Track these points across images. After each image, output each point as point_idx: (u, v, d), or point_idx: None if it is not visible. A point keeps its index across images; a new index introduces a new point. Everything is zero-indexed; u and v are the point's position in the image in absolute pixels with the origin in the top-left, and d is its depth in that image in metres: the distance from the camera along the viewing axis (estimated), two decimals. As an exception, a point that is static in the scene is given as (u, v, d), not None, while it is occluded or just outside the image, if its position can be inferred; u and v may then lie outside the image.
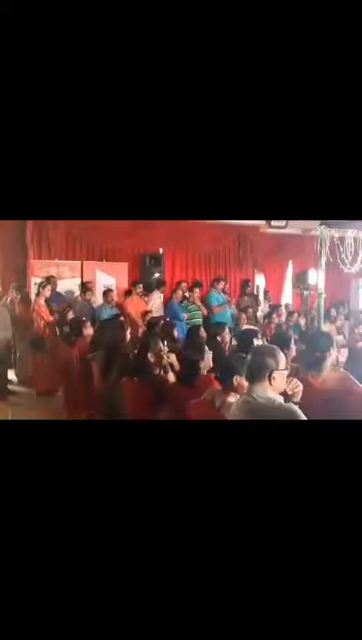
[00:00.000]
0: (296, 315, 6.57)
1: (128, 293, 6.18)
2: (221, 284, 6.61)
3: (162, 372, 2.91)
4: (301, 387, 1.89)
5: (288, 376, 1.86)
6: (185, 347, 3.34)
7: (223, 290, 6.62)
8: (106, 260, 6.67)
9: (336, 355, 2.50)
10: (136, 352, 3.17)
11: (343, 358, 2.84)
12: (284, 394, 1.81)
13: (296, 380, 1.91)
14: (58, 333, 5.26)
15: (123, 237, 6.52)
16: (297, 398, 1.87)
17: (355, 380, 2.47)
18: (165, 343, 3.39)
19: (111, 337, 3.33)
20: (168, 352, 3.38)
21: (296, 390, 1.86)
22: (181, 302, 6.24)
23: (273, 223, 6.92)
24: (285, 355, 1.85)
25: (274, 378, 1.72)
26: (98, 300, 6.13)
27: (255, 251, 7.69)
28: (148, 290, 6.35)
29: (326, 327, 5.56)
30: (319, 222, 5.00)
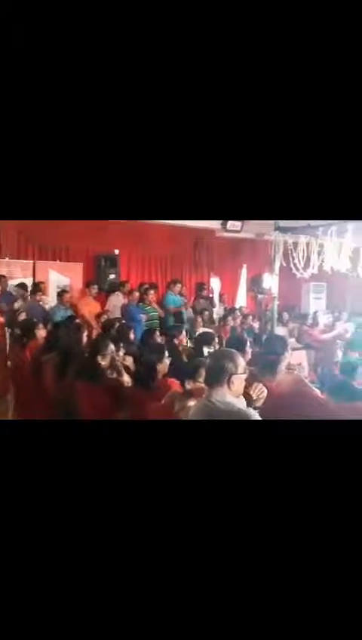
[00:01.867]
0: (250, 317, 6.71)
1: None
2: (178, 287, 6.62)
3: (115, 375, 2.86)
4: (266, 392, 1.90)
5: (249, 381, 1.87)
6: (141, 350, 3.31)
7: (180, 293, 6.65)
8: (60, 260, 6.51)
9: (290, 358, 2.58)
10: (86, 355, 3.10)
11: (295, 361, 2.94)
12: (249, 399, 1.82)
13: (261, 385, 1.91)
14: (8, 334, 5.06)
15: (78, 237, 6.38)
16: (260, 403, 1.88)
17: (308, 383, 2.57)
18: (121, 345, 3.35)
19: (68, 340, 3.25)
20: (125, 354, 3.34)
21: (261, 395, 1.88)
22: (137, 304, 6.21)
23: (228, 227, 7.03)
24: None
25: (232, 382, 1.73)
26: (51, 300, 5.96)
27: (210, 254, 7.77)
28: (109, 290, 6.24)
29: (279, 331, 5.71)
30: (273, 227, 5.12)
